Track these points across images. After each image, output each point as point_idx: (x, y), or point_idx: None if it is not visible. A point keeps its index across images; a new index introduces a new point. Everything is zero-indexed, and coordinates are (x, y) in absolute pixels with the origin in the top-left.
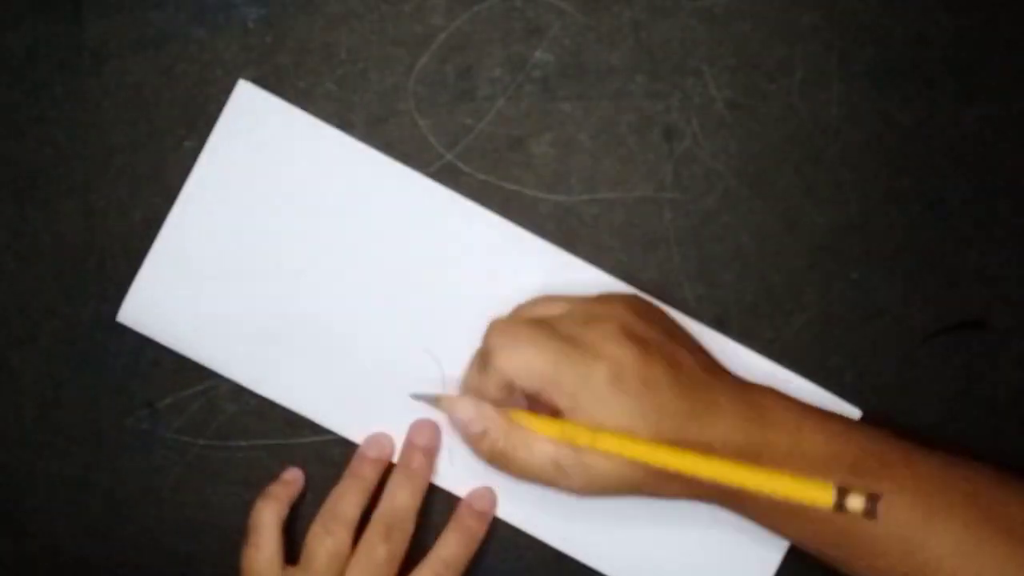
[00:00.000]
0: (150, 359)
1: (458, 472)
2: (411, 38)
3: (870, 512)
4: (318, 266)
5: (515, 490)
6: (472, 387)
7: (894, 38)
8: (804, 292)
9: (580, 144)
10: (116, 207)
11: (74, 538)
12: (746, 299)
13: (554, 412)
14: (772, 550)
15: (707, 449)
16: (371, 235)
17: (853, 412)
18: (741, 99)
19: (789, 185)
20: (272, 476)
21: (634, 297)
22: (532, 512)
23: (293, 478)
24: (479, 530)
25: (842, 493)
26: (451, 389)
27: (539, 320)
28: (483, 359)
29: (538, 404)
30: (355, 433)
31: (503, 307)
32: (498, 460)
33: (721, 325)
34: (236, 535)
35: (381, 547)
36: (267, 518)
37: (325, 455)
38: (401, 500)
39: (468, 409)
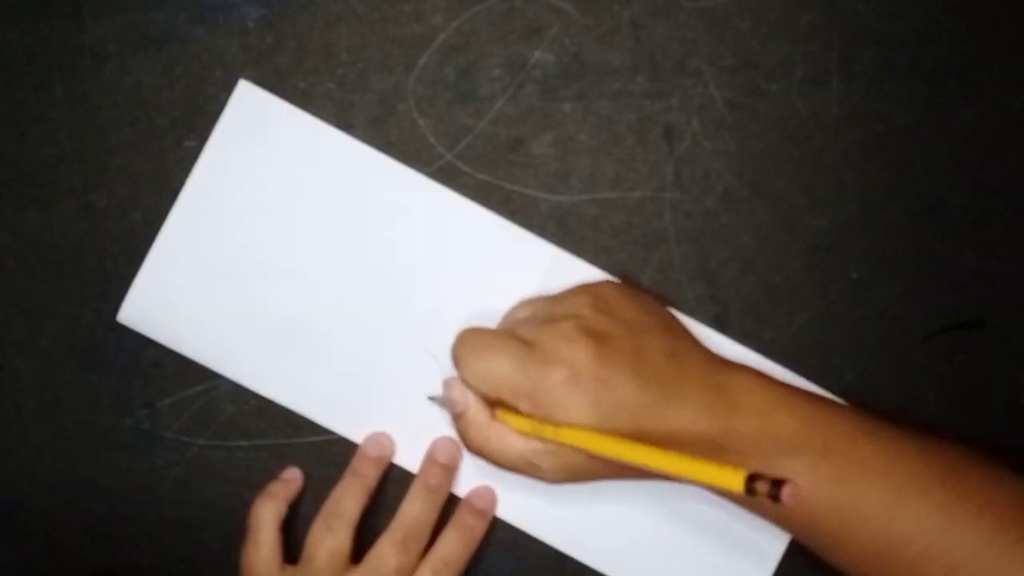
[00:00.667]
0: (150, 359)
1: (459, 472)
2: (411, 38)
3: (774, 497)
4: (318, 266)
5: (516, 491)
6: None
7: (894, 38)
8: (804, 292)
9: (580, 144)
10: (116, 207)
11: (74, 538)
12: (746, 299)
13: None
14: (772, 548)
15: (667, 437)
16: (371, 235)
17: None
18: (741, 99)
19: (789, 185)
20: (272, 476)
21: (600, 285)
22: (533, 512)
23: (292, 477)
24: (479, 529)
25: (752, 479)
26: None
27: (505, 327)
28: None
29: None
30: (355, 433)
31: (503, 306)
32: (477, 451)
33: (721, 325)
34: (236, 535)
35: (392, 558)
36: (266, 516)
37: (325, 455)
38: (418, 513)
39: (453, 392)
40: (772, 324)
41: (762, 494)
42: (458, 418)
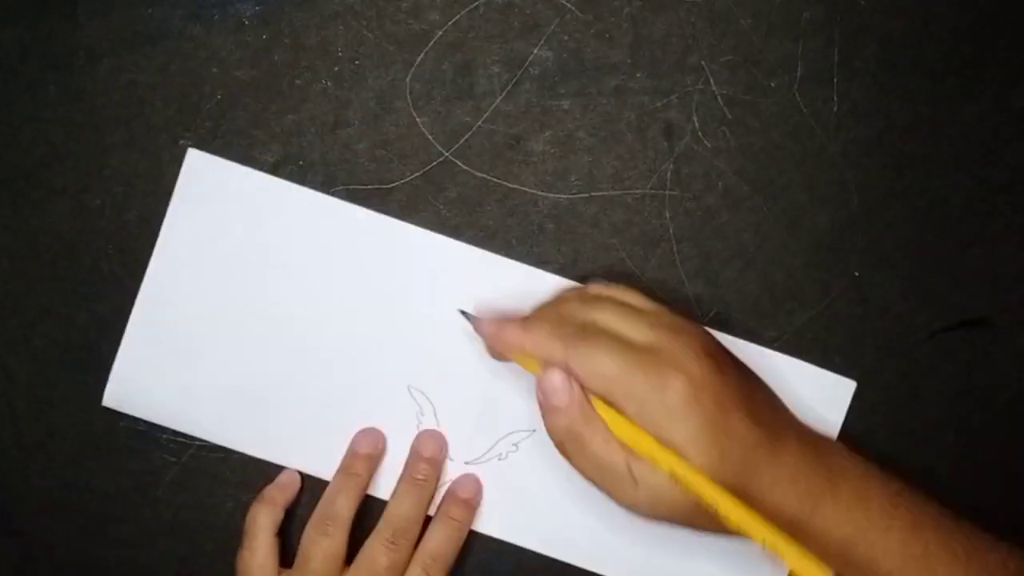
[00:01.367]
0: None
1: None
2: (408, 35)
3: None
4: (293, 320)
5: (510, 509)
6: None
7: (895, 35)
8: (805, 290)
9: (580, 141)
10: (111, 206)
11: (70, 539)
12: (747, 297)
13: None
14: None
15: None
16: (341, 281)
17: (849, 384)
18: (742, 96)
19: (790, 182)
20: (268, 478)
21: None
22: (531, 529)
23: (289, 481)
24: (465, 519)
25: None
26: (440, 421)
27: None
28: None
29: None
30: None
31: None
32: (571, 442)
33: (722, 323)
34: (231, 537)
35: (383, 556)
36: (262, 521)
37: None
38: (407, 509)
39: (556, 379)
40: (773, 322)
41: None
42: (552, 411)
